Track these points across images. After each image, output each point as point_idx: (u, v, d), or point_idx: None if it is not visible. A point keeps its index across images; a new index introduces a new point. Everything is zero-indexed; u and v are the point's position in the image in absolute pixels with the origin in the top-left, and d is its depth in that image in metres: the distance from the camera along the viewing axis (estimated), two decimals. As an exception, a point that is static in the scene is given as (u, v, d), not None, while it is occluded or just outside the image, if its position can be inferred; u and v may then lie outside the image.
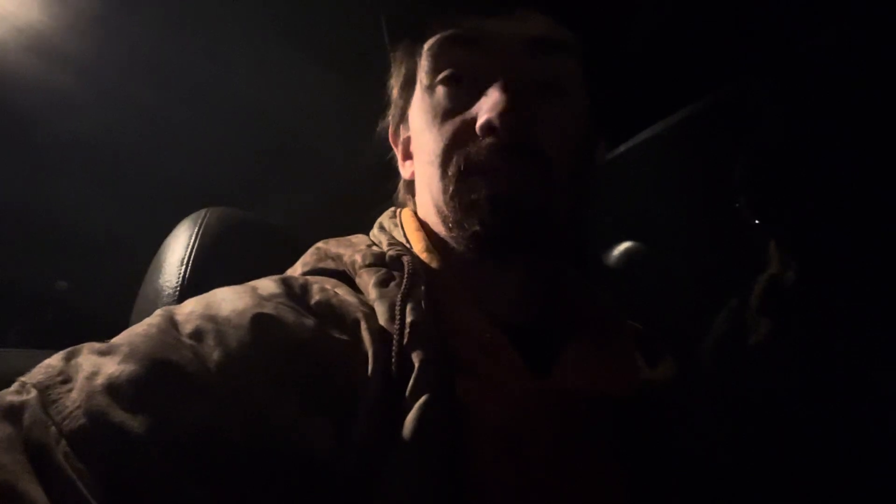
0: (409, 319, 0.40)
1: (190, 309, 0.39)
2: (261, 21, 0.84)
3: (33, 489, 0.28)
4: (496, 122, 0.44)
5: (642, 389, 0.47)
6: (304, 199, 1.12)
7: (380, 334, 0.40)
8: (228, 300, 0.39)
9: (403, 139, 0.58)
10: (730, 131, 0.66)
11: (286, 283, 0.43)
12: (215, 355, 0.35)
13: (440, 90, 0.49)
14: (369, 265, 0.46)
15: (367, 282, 0.44)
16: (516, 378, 0.43)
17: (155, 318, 0.38)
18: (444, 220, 0.49)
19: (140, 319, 0.42)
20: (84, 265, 1.46)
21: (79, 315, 1.51)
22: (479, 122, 0.45)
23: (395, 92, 0.57)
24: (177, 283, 0.64)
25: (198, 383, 0.33)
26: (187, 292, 0.63)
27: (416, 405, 0.36)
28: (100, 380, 0.32)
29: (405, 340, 0.39)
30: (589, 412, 0.44)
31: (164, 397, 0.32)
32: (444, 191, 0.48)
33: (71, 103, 1.00)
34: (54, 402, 0.31)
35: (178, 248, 0.67)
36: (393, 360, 0.38)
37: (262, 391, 0.34)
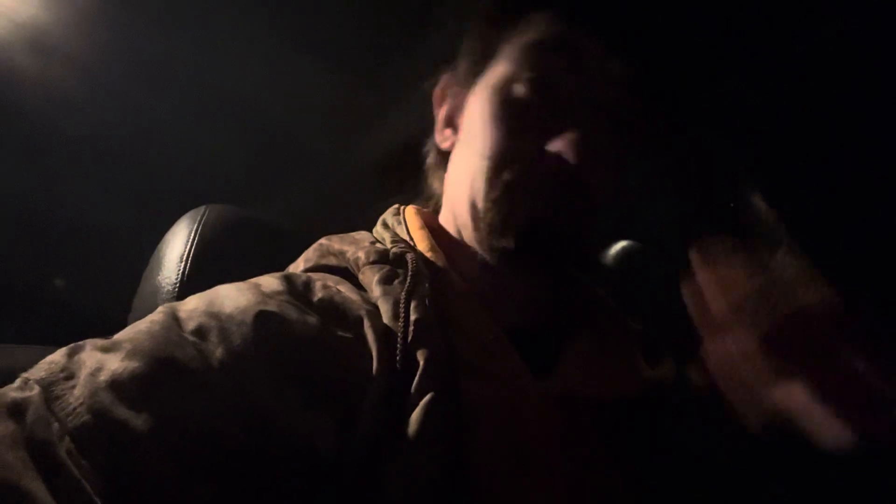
0: (413, 317, 0.40)
1: (193, 306, 0.39)
2: (261, 19, 0.84)
3: (36, 486, 0.27)
4: (568, 159, 0.44)
5: (644, 390, 0.47)
6: (304, 196, 1.12)
7: (384, 332, 0.39)
8: (231, 297, 0.39)
9: (452, 104, 0.56)
10: (726, 132, 0.66)
11: (289, 281, 0.43)
12: (218, 352, 0.34)
13: (524, 89, 0.47)
14: (373, 262, 0.45)
15: (371, 279, 0.44)
16: (519, 378, 0.43)
17: (158, 314, 0.38)
18: (475, 216, 0.48)
19: (139, 316, 0.42)
20: (83, 262, 1.46)
21: (78, 312, 1.51)
22: (552, 146, 0.45)
23: (469, 50, 0.54)
24: (176, 279, 0.64)
25: (201, 380, 0.33)
26: (186, 289, 0.63)
27: (421, 403, 0.36)
28: (103, 376, 0.32)
29: (409, 338, 0.39)
30: (592, 412, 0.44)
31: (167, 394, 0.32)
32: (488, 192, 0.47)
33: (69, 100, 1.00)
34: (57, 398, 0.31)
35: (177, 245, 0.67)
36: (398, 357, 0.38)
37: (265, 389, 0.34)
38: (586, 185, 0.45)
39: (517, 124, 0.47)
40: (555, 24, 0.47)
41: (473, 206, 0.48)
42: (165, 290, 0.64)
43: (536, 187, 0.45)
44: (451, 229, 0.54)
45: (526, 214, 0.45)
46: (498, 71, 0.50)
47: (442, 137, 0.56)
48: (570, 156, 0.44)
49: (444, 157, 0.56)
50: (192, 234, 0.68)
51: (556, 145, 0.45)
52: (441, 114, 0.57)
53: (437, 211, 0.58)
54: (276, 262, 0.54)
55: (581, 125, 0.45)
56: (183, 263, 0.65)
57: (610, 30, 0.46)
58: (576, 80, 0.46)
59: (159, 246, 0.70)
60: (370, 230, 0.54)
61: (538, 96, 0.47)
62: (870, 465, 0.44)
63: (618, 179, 0.47)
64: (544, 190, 0.45)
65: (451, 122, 0.56)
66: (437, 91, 0.58)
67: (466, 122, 0.53)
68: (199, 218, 0.70)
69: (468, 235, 0.50)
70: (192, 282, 0.64)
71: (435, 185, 0.61)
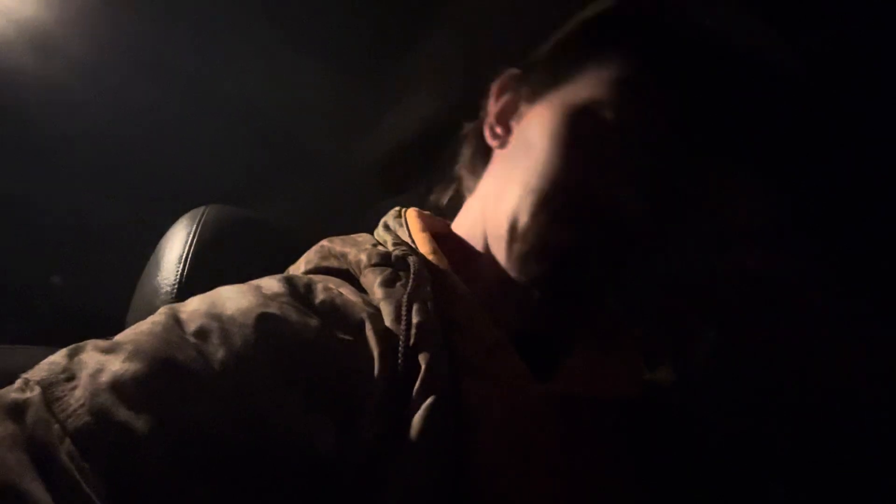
0: (415, 320, 0.39)
1: (194, 307, 0.39)
2: (261, 19, 0.84)
3: (36, 488, 0.27)
4: (631, 208, 0.43)
5: (645, 392, 0.47)
6: (303, 196, 1.12)
7: (385, 335, 0.39)
8: (233, 299, 0.39)
9: (510, 103, 0.54)
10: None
11: (290, 283, 0.43)
12: (220, 354, 0.34)
13: (604, 122, 0.45)
14: (375, 264, 0.45)
15: (373, 281, 0.43)
16: (520, 379, 0.43)
17: (159, 315, 0.38)
18: (513, 231, 0.46)
19: (137, 317, 0.42)
20: (82, 262, 1.46)
21: (76, 312, 1.50)
22: (619, 186, 0.44)
23: (547, 61, 0.52)
24: (175, 280, 0.64)
25: (202, 382, 0.33)
26: (185, 290, 0.63)
27: (423, 406, 0.36)
28: (104, 378, 0.32)
29: (411, 342, 0.38)
30: (592, 413, 0.44)
31: (168, 396, 0.32)
32: (537, 213, 0.45)
33: (69, 99, 1.00)
34: (58, 399, 0.31)
35: (176, 246, 0.67)
36: (399, 360, 0.38)
37: (266, 391, 0.34)
38: (641, 232, 0.44)
39: (590, 156, 0.45)
40: (648, 66, 0.46)
41: (514, 221, 0.46)
42: (164, 290, 0.64)
43: (588, 224, 0.44)
44: (470, 229, 0.53)
45: (568, 247, 0.44)
46: (578, 94, 0.47)
47: (492, 134, 0.54)
48: (633, 209, 0.43)
49: (485, 151, 0.55)
50: (192, 235, 0.67)
51: (625, 188, 0.43)
52: (495, 108, 0.54)
53: (439, 208, 0.58)
54: (276, 263, 0.53)
55: (658, 174, 0.44)
56: (182, 264, 0.65)
57: (707, 91, 0.45)
58: (660, 127, 0.45)
59: (158, 246, 0.70)
60: (370, 231, 0.54)
61: (618, 133, 0.45)
62: (870, 465, 0.44)
63: (671, 228, 0.45)
64: (595, 228, 0.44)
65: (504, 122, 0.54)
66: (497, 84, 0.55)
67: (526, 131, 0.50)
68: (198, 218, 0.69)
69: (496, 243, 0.48)
70: (191, 282, 0.64)
71: (463, 173, 0.59)
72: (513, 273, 0.46)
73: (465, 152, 0.59)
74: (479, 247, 0.51)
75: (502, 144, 0.53)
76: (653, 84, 0.45)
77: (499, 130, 0.53)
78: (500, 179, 0.51)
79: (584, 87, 0.47)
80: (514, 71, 0.55)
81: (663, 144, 0.45)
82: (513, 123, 0.53)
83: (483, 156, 0.56)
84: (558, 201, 0.45)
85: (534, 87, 0.52)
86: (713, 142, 0.46)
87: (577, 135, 0.46)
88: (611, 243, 0.44)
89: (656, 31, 0.47)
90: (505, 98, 0.54)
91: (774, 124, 0.46)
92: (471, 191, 0.58)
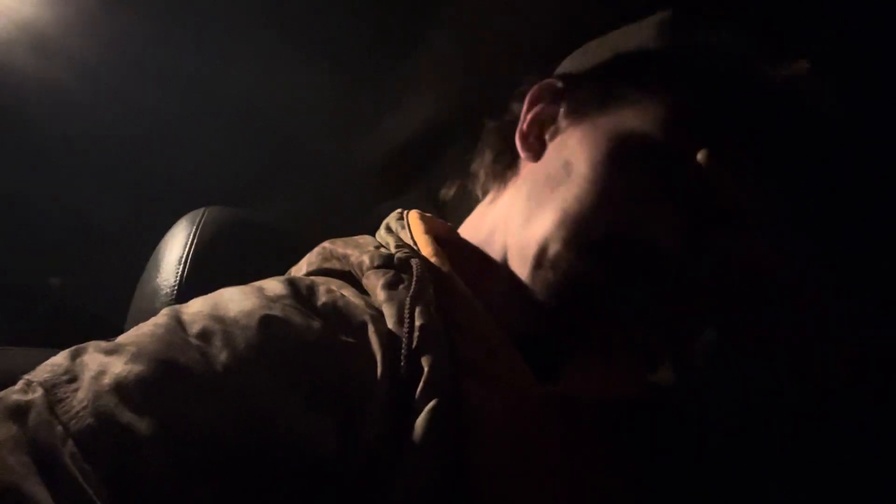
0: (418, 323, 0.39)
1: (197, 309, 0.39)
2: (262, 20, 0.84)
3: (39, 490, 0.27)
4: (671, 256, 0.42)
5: (646, 392, 0.47)
6: (303, 198, 1.12)
7: (388, 337, 0.39)
8: (236, 301, 0.39)
9: (546, 114, 0.52)
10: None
11: (293, 285, 0.43)
12: (223, 356, 0.34)
13: (665, 152, 0.44)
14: (377, 266, 0.45)
15: (375, 283, 0.43)
16: (521, 380, 0.43)
17: (161, 317, 0.38)
18: (544, 250, 0.45)
19: (137, 319, 0.42)
20: (81, 263, 1.46)
21: (75, 313, 1.50)
22: (661, 238, 0.42)
23: (595, 80, 0.50)
24: (175, 282, 0.64)
25: (205, 384, 0.33)
26: (185, 292, 0.63)
27: (426, 409, 0.36)
28: (107, 379, 0.32)
29: (414, 344, 0.38)
30: (594, 415, 0.44)
31: (171, 398, 0.32)
32: (573, 242, 0.44)
33: (69, 99, 1.00)
34: (60, 401, 0.31)
35: (175, 247, 0.67)
36: (402, 363, 0.38)
37: (268, 393, 0.34)
38: (670, 271, 0.43)
39: (634, 191, 0.44)
40: (704, 106, 0.45)
41: (545, 246, 0.45)
42: (164, 292, 0.64)
43: (622, 261, 0.43)
44: (486, 237, 0.52)
45: (598, 283, 0.43)
46: (627, 123, 0.46)
47: (525, 144, 0.52)
48: (674, 253, 0.42)
49: (511, 157, 0.53)
50: (191, 237, 0.68)
51: (669, 238, 0.42)
52: (530, 116, 0.52)
53: (444, 201, 0.57)
54: (276, 265, 0.54)
55: (699, 216, 0.43)
56: (182, 266, 0.65)
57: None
58: (713, 173, 0.44)
59: (158, 248, 0.70)
60: (371, 233, 0.54)
61: (666, 171, 0.44)
62: (870, 465, 0.44)
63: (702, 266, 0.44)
64: (628, 266, 0.43)
65: (538, 132, 0.52)
66: (535, 90, 0.53)
67: (566, 151, 0.48)
68: (197, 220, 0.70)
69: (519, 262, 0.47)
70: (190, 284, 0.64)
71: (481, 174, 0.57)
72: (530, 291, 0.45)
73: (487, 153, 0.57)
74: (495, 256, 0.50)
75: (535, 157, 0.51)
76: (704, 123, 0.45)
77: (532, 141, 0.52)
78: (533, 198, 0.49)
79: (632, 118, 0.46)
80: (555, 82, 0.53)
81: (712, 186, 0.44)
82: (547, 136, 0.52)
83: (507, 162, 0.54)
84: (596, 235, 0.44)
85: (577, 105, 0.50)
86: (762, 179, 0.45)
87: (622, 167, 0.44)
88: (639, 279, 0.43)
89: (709, 69, 0.46)
90: (540, 107, 0.53)
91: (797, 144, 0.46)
92: (487, 193, 0.57)
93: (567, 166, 0.47)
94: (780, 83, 0.46)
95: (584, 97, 0.50)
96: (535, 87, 0.53)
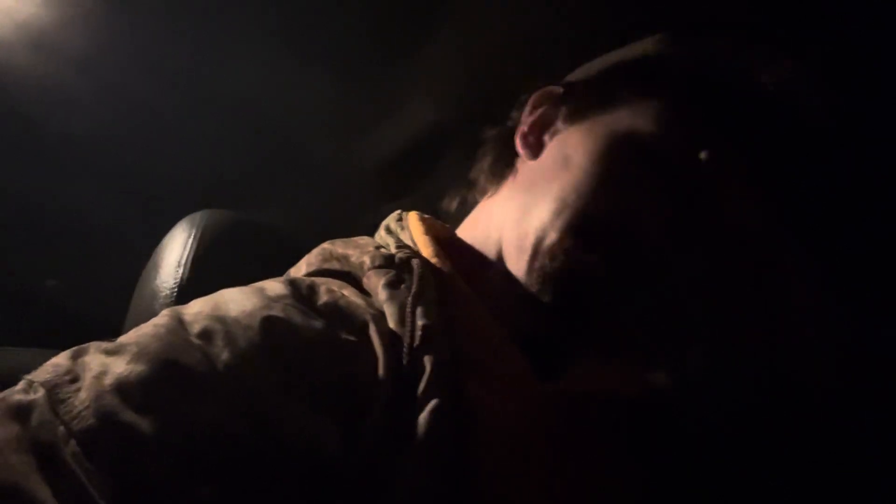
0: (419, 322, 0.39)
1: (198, 309, 0.39)
2: (262, 22, 0.84)
3: (41, 490, 0.27)
4: (658, 240, 0.43)
5: (646, 392, 0.47)
6: (302, 201, 1.12)
7: (389, 337, 0.39)
8: (237, 301, 0.39)
9: (546, 117, 0.53)
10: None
11: (293, 285, 0.43)
12: (224, 356, 0.34)
13: (659, 148, 0.45)
14: (378, 266, 0.45)
15: (377, 284, 0.43)
16: (522, 380, 0.43)
17: (162, 317, 0.38)
18: (541, 239, 0.46)
19: (136, 320, 0.42)
20: (80, 264, 1.46)
21: (74, 315, 1.50)
22: (653, 219, 0.43)
23: (594, 83, 0.52)
24: (174, 284, 0.64)
25: (206, 384, 0.33)
26: (185, 293, 0.63)
27: (428, 409, 0.36)
28: (108, 379, 0.32)
29: (416, 343, 0.38)
30: (594, 415, 0.44)
31: (173, 398, 0.32)
32: (570, 228, 0.44)
33: (68, 100, 1.00)
34: (62, 401, 0.31)
35: (175, 249, 0.67)
36: (404, 362, 0.38)
37: (270, 393, 0.34)
38: (662, 264, 0.44)
39: (629, 183, 0.45)
40: (697, 106, 0.46)
41: (542, 235, 0.46)
42: (163, 294, 0.64)
43: (615, 250, 0.44)
44: (482, 235, 0.53)
45: (591, 272, 0.44)
46: (623, 122, 0.47)
47: (525, 143, 0.54)
48: (668, 250, 0.43)
49: (509, 159, 0.54)
50: (191, 238, 0.68)
51: (665, 235, 0.43)
52: (530, 119, 0.54)
53: (448, 212, 0.58)
54: (275, 267, 0.54)
55: (691, 209, 0.44)
56: (181, 268, 0.65)
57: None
58: (704, 164, 0.45)
59: (157, 250, 0.70)
60: (370, 235, 0.54)
61: (659, 165, 0.45)
62: (870, 465, 0.44)
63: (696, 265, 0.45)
64: (621, 256, 0.44)
65: (537, 134, 0.54)
66: (536, 96, 0.55)
67: (564, 148, 0.50)
68: (197, 222, 0.70)
69: (515, 255, 0.48)
70: (190, 286, 0.64)
71: (481, 178, 0.58)
72: (526, 285, 0.46)
73: (487, 158, 0.58)
74: (490, 254, 0.51)
75: (534, 156, 0.53)
76: (699, 124, 0.46)
77: (531, 141, 0.53)
78: (530, 191, 0.50)
79: (629, 117, 0.47)
80: (555, 88, 0.55)
81: (702, 180, 0.44)
82: (546, 137, 0.53)
83: (506, 164, 0.56)
84: (592, 223, 0.44)
85: (576, 107, 0.52)
86: (754, 177, 0.46)
87: (619, 160, 0.45)
88: (633, 273, 0.44)
89: (706, 75, 0.47)
90: (541, 111, 0.54)
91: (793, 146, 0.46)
92: (485, 196, 0.58)
93: (566, 161, 0.49)
94: (778, 85, 0.46)
95: (585, 101, 0.52)
96: (538, 92, 0.55)
